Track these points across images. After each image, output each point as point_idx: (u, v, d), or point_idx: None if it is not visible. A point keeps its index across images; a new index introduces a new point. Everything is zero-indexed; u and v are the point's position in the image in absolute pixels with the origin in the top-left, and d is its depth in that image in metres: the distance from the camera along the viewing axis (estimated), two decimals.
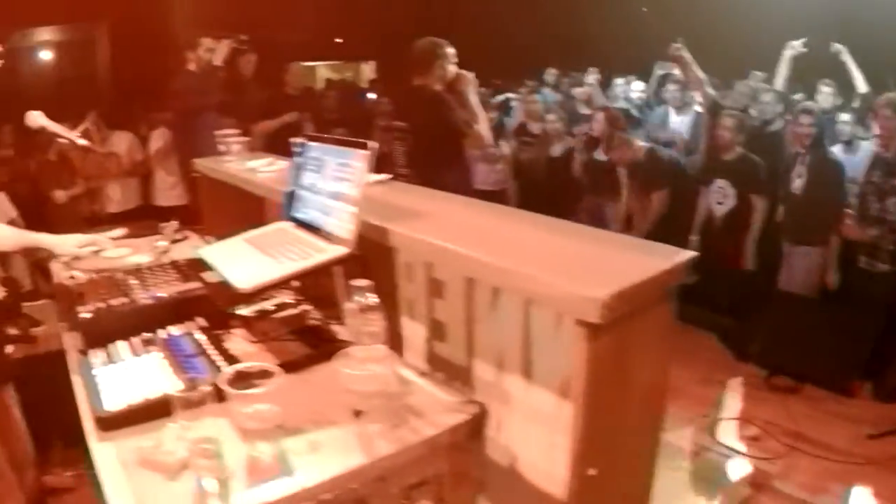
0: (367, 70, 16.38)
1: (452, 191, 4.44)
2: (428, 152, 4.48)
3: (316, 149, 2.29)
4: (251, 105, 6.57)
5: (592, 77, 8.60)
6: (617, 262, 1.72)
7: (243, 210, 3.37)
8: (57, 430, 2.99)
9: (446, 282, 2.02)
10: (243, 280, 1.98)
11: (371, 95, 9.84)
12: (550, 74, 10.03)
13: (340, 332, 2.20)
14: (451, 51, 4.64)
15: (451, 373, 2.00)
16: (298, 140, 2.70)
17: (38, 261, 6.39)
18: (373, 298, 1.72)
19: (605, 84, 8.70)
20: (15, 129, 7.40)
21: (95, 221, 7.11)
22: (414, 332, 2.15)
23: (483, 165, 7.16)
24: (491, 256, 1.73)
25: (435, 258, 1.97)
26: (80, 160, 7.32)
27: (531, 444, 1.87)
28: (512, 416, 1.87)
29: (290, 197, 2.44)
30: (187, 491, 1.53)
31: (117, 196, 7.72)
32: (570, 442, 1.70)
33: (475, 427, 1.74)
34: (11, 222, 3.24)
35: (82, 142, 3.21)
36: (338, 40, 14.16)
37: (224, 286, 2.07)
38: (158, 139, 7.56)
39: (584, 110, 7.88)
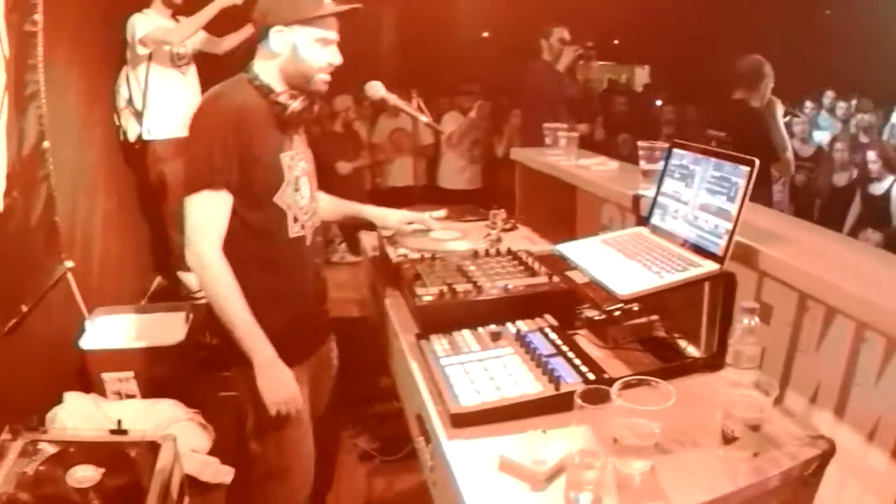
0: (642, 74, 16.22)
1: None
2: None
3: (685, 157, 2.33)
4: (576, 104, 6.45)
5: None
6: None
7: (555, 206, 3.48)
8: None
9: (775, 307, 1.98)
10: (621, 285, 2.06)
11: (658, 102, 9.74)
12: (828, 97, 9.78)
13: (686, 347, 2.25)
14: (772, 73, 4.73)
15: None
16: (650, 144, 2.74)
17: (345, 228, 6.82)
18: (757, 322, 1.74)
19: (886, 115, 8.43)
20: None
21: (376, 195, 7.48)
22: None
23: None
24: (855, 289, 1.70)
25: (784, 282, 1.95)
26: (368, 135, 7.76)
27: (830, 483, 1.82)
28: None
29: (648, 202, 2.50)
30: (556, 503, 1.60)
31: (402, 172, 8.01)
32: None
33: (822, 464, 1.76)
34: None
35: (424, 118, 3.34)
36: (615, 42, 14.10)
37: (593, 289, 2.14)
38: (451, 122, 7.81)
39: (864, 139, 7.66)
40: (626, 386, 1.67)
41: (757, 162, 2.04)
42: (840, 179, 7.09)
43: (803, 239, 2.19)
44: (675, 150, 2.40)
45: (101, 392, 3.96)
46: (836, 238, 2.27)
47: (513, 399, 1.93)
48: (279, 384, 2.56)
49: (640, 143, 2.86)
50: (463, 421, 1.89)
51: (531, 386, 1.98)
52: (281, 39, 2.51)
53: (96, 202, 4.72)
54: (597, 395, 1.60)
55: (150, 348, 3.97)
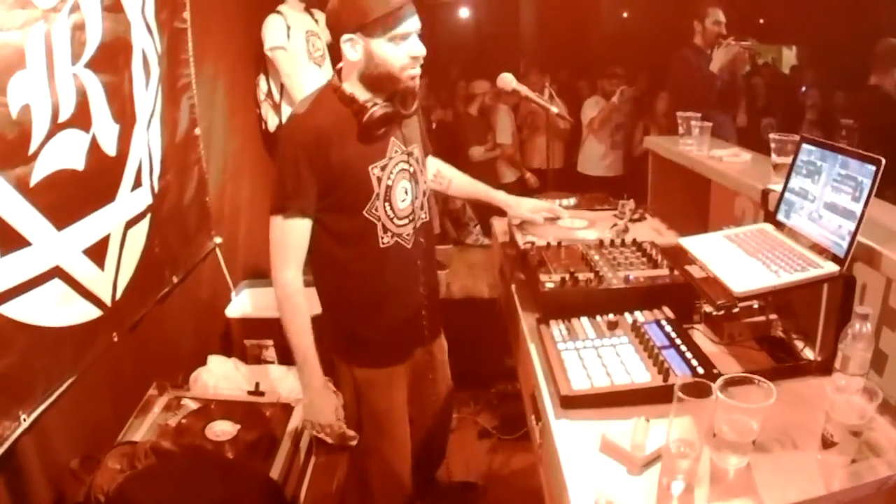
0: (790, 55, 15.66)
1: (891, 202, 4.35)
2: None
3: (813, 153, 2.32)
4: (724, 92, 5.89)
5: None
6: None
7: (688, 196, 3.51)
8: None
9: None
10: (737, 283, 2.09)
11: (804, 88, 9.35)
12: None
13: (803, 348, 2.26)
14: None
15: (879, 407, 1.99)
16: (782, 137, 2.74)
17: (452, 210, 6.95)
18: (869, 328, 1.76)
19: None
20: (432, 81, 8.09)
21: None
22: None
23: None
24: None
25: None
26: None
27: None
28: None
29: (772, 197, 2.51)
30: (650, 488, 1.68)
31: (541, 156, 7.90)
32: None
33: None
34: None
35: (555, 109, 3.41)
36: (760, 21, 13.66)
37: (711, 284, 2.19)
38: (593, 108, 7.79)
39: None
40: (730, 383, 1.70)
41: (883, 161, 2.00)
42: None
43: None
44: (805, 145, 2.38)
45: (243, 357, 4.23)
46: None
47: (621, 386, 2.01)
48: (319, 410, 2.73)
49: (771, 136, 2.83)
50: (572, 403, 2.00)
51: (641, 375, 2.05)
52: (352, 48, 2.47)
53: (242, 185, 4.99)
54: (698, 388, 1.64)
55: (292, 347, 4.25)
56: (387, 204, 2.64)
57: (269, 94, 5.38)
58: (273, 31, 5.14)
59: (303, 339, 2.65)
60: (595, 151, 7.90)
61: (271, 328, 4.08)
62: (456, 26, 13.11)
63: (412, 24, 2.49)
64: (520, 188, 7.47)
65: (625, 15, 12.97)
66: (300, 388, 2.83)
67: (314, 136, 2.49)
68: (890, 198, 4.13)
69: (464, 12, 13.37)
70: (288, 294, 2.61)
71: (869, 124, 4.56)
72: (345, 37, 2.45)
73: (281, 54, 5.12)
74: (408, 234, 2.75)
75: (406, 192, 2.72)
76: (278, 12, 5.20)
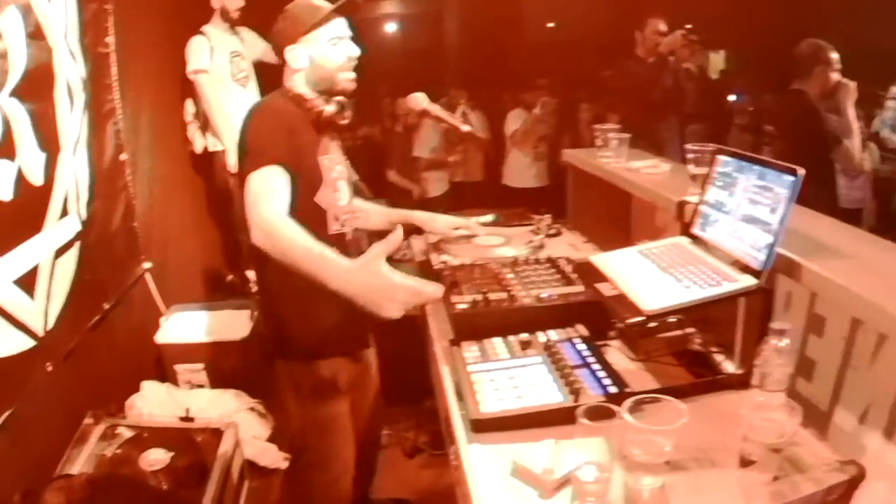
0: (718, 60, 15.92)
1: (816, 208, 4.34)
2: (793, 163, 4.38)
3: (729, 164, 2.27)
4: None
5: None
6: None
7: (609, 208, 3.45)
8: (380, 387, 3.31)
9: (828, 320, 1.94)
10: (648, 300, 2.03)
11: (734, 97, 9.34)
12: None
13: (723, 362, 2.24)
14: (835, 56, 4.59)
15: (809, 413, 1.94)
16: (700, 147, 2.70)
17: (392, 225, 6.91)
18: (787, 343, 1.70)
19: None
20: (359, 99, 7.98)
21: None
22: None
23: (842, 179, 6.77)
24: None
25: (839, 302, 1.89)
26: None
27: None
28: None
29: (689, 210, 2.46)
30: None
31: (463, 170, 7.95)
32: None
33: (849, 490, 1.70)
34: (354, 186, 3.52)
35: (466, 128, 3.40)
36: (687, 25, 13.85)
37: (622, 301, 2.13)
38: (515, 120, 7.75)
39: None
40: (641, 402, 1.64)
41: (801, 171, 1.95)
42: None
43: (860, 253, 2.09)
44: (721, 157, 2.34)
45: (175, 381, 4.26)
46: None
47: (532, 408, 1.96)
48: (373, 289, 2.15)
49: (687, 147, 2.76)
50: (482, 426, 1.95)
51: (553, 396, 1.99)
52: (296, 55, 2.70)
53: (170, 209, 4.97)
54: (604, 411, 1.59)
55: (217, 342, 4.27)
56: (334, 194, 2.78)
57: (197, 116, 5.32)
58: (195, 53, 5.07)
59: (311, 249, 2.21)
60: (519, 163, 7.86)
61: (201, 352, 4.22)
62: (382, 43, 13.11)
63: (344, 28, 2.75)
64: (450, 201, 7.48)
65: (550, 25, 13.05)
66: (233, 410, 2.82)
67: (279, 116, 2.66)
68: (814, 201, 4.16)
69: (390, 27, 13.38)
70: (277, 227, 2.30)
71: (792, 130, 4.55)
72: (289, 48, 2.70)
73: (203, 78, 5.06)
74: (349, 230, 2.86)
75: (345, 192, 2.87)
76: (202, 33, 5.14)
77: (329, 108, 2.73)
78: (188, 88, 5.28)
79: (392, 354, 3.32)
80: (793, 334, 1.91)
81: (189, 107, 5.36)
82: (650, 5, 6.31)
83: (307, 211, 2.62)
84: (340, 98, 2.79)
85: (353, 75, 2.77)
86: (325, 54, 2.70)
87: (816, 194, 4.31)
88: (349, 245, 2.82)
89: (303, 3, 2.75)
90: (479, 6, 11.22)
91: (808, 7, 10.90)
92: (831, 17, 10.61)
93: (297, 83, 2.75)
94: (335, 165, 2.82)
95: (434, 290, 2.08)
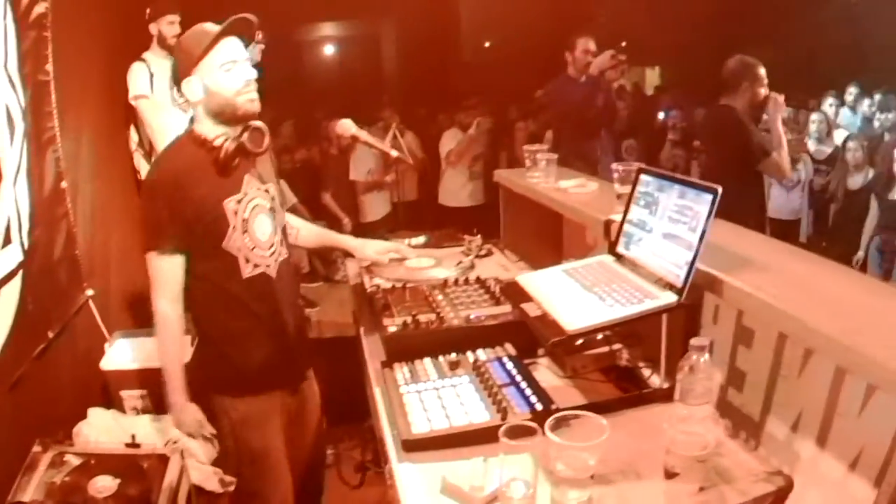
0: (653, 76, 16.19)
1: (744, 220, 4.42)
2: (721, 177, 4.47)
3: (650, 183, 2.31)
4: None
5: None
6: None
7: (541, 227, 3.49)
8: (323, 409, 3.30)
9: (756, 331, 1.99)
10: (570, 320, 2.05)
11: (668, 113, 9.41)
12: (850, 93, 9.38)
13: (651, 376, 2.28)
14: (762, 72, 4.69)
15: (741, 423, 1.99)
16: (624, 167, 2.75)
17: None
18: (707, 358, 1.74)
19: None
20: (297, 122, 8.01)
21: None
22: None
23: (778, 190, 6.92)
24: (834, 330, 1.68)
25: (761, 315, 1.94)
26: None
27: None
28: (798, 480, 1.82)
29: (614, 228, 2.49)
30: None
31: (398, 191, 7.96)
32: None
33: (777, 501, 1.74)
34: (293, 209, 3.57)
35: (395, 153, 3.43)
36: (623, 44, 14.07)
37: (546, 321, 2.15)
38: (450, 141, 7.78)
39: (889, 138, 7.41)
40: (564, 419, 1.66)
41: (719, 189, 2.00)
42: (855, 182, 6.87)
43: (782, 266, 2.14)
44: (642, 176, 2.37)
45: (121, 408, 4.17)
46: (821, 264, 2.22)
47: (460, 427, 2.00)
48: (183, 422, 2.92)
49: (613, 166, 2.83)
50: (413, 446, 1.98)
51: (480, 415, 2.03)
52: (191, 88, 2.63)
53: (112, 236, 4.91)
54: (526, 429, 1.61)
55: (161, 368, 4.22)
56: (245, 236, 2.71)
57: (141, 142, 5.29)
58: (136, 79, 5.04)
59: (172, 361, 2.79)
60: (454, 183, 7.92)
61: (146, 379, 4.11)
62: (320, 65, 13.12)
63: (237, 51, 2.65)
64: (392, 222, 7.42)
65: (487, 45, 13.15)
66: (176, 436, 2.96)
67: (173, 176, 2.64)
68: (743, 214, 4.25)
69: (328, 50, 13.39)
70: (162, 323, 2.73)
71: (720, 145, 4.68)
72: (184, 81, 2.64)
73: (144, 103, 5.03)
74: (271, 266, 2.80)
75: (266, 226, 2.79)
76: (142, 59, 5.12)
77: (231, 143, 2.64)
78: (131, 115, 5.24)
79: (335, 374, 3.33)
80: (722, 346, 1.97)
81: (133, 134, 5.34)
82: (584, 24, 6.39)
83: (214, 260, 2.70)
84: (257, 123, 2.72)
85: (254, 96, 2.68)
86: (219, 81, 2.61)
87: (745, 206, 4.42)
88: (272, 286, 2.81)
89: (193, 32, 2.70)
90: (417, 27, 11.30)
91: (739, 23, 11.14)
92: (763, 32, 10.85)
93: (200, 117, 2.70)
94: (247, 204, 2.73)
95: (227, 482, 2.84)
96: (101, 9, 4.95)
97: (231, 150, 2.63)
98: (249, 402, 2.83)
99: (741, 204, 4.42)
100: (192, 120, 2.75)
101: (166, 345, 2.77)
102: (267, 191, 2.83)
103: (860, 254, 6.63)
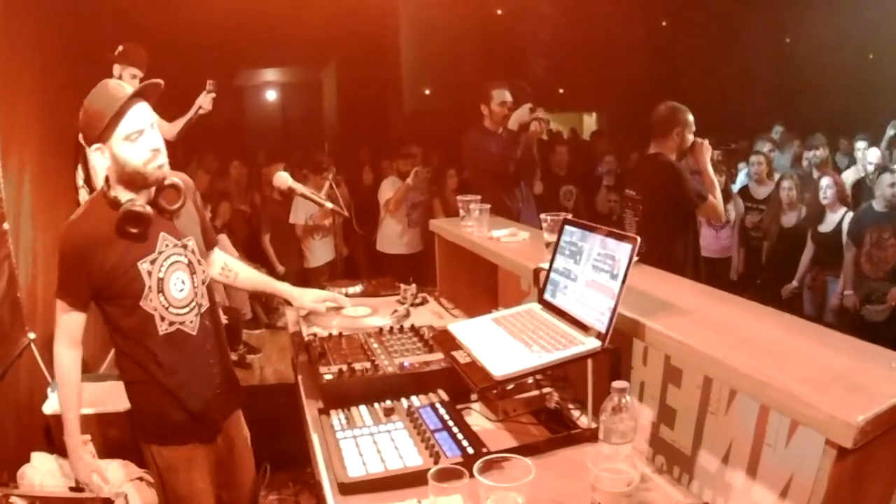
0: (590, 122, 16.46)
1: (681, 261, 4.54)
2: (659, 223, 4.59)
3: (574, 233, 2.39)
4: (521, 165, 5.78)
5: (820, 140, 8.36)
6: (871, 376, 1.71)
7: (477, 275, 3.55)
8: (266, 455, 3.33)
9: (684, 371, 2.07)
10: (498, 367, 2.11)
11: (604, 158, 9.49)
12: (777, 132, 9.72)
13: (580, 417, 2.36)
14: (690, 118, 4.74)
15: (674, 458, 2.07)
16: (552, 217, 2.84)
17: (262, 294, 6.92)
18: (628, 399, 1.83)
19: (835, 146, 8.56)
20: (240, 164, 8.06)
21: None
22: (643, 413, 2.22)
23: (707, 230, 7.07)
24: (755, 367, 1.76)
25: (684, 356, 2.03)
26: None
27: None
28: None
29: (542, 277, 2.56)
30: None
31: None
32: None
33: None
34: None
35: (330, 205, 3.47)
36: (560, 90, 14.34)
37: (475, 368, 2.22)
38: (389, 189, 7.83)
39: (816, 175, 7.62)
40: (497, 461, 1.76)
41: (638, 240, 2.06)
42: (789, 220, 7.05)
43: (705, 309, 2.22)
44: (567, 227, 2.44)
45: (63, 452, 4.14)
46: (743, 305, 2.29)
47: (393, 471, 2.04)
48: (79, 468, 2.94)
49: (542, 216, 2.89)
50: (348, 489, 2.03)
51: (413, 459, 2.08)
52: (98, 156, 2.60)
53: (54, 278, 4.83)
54: (454, 473, 1.68)
55: (103, 414, 4.21)
56: (160, 295, 2.70)
57: (87, 180, 5.28)
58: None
59: (66, 405, 2.83)
60: (392, 230, 7.92)
61: (87, 423, 4.02)
62: (262, 110, 13.15)
63: (143, 118, 2.60)
64: (332, 269, 7.48)
65: (427, 92, 13.28)
66: (121, 480, 3.10)
67: (83, 241, 2.63)
68: (682, 257, 4.37)
69: (270, 96, 13.42)
70: (57, 366, 2.79)
71: (656, 193, 4.71)
72: (91, 148, 2.59)
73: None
74: (191, 322, 2.80)
75: (183, 283, 2.78)
76: None
77: (133, 209, 2.60)
78: (80, 155, 5.20)
79: (277, 421, 3.34)
80: (652, 386, 2.06)
81: (79, 172, 5.32)
82: (519, 71, 6.42)
83: (132, 317, 2.71)
84: (173, 180, 2.72)
85: (162, 162, 2.64)
86: (124, 153, 2.57)
87: (683, 252, 4.55)
88: (190, 342, 2.81)
89: (96, 94, 2.63)
90: (359, 74, 11.38)
91: (672, 70, 11.42)
92: (693, 78, 11.13)
93: (111, 182, 2.66)
94: (163, 262, 2.71)
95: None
96: (43, 49, 4.97)
97: (130, 214, 2.60)
98: (173, 449, 2.85)
99: (678, 250, 4.58)
100: (106, 179, 2.70)
101: (62, 388, 2.82)
102: (185, 246, 2.80)
103: (794, 283, 6.87)
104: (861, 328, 5.82)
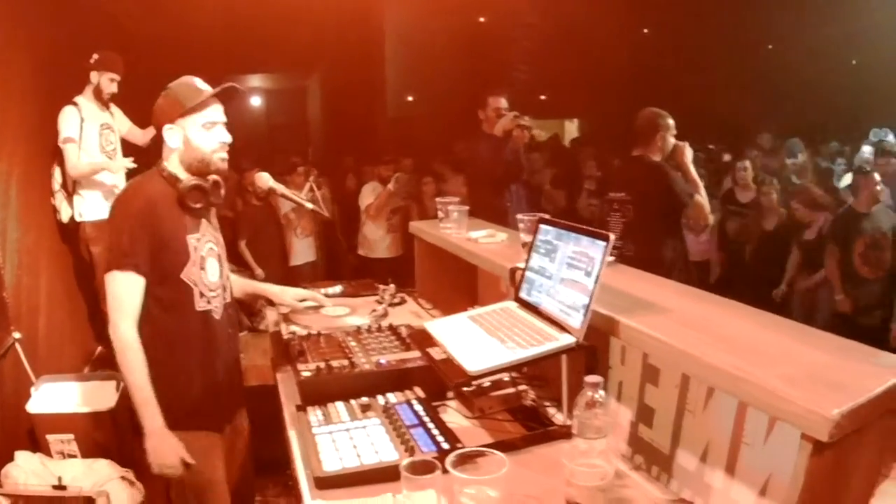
0: (571, 128, 16.48)
1: (670, 264, 4.57)
2: (647, 225, 4.63)
3: (549, 232, 2.39)
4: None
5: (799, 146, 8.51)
6: (850, 372, 1.71)
7: (456, 276, 3.55)
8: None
9: (662, 370, 2.07)
10: (472, 362, 2.11)
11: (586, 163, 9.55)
12: (765, 139, 9.88)
13: (556, 414, 2.36)
14: (671, 122, 4.85)
15: (653, 457, 2.06)
16: (529, 217, 2.84)
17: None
18: (602, 394, 1.82)
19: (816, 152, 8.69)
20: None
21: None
22: (621, 413, 2.22)
23: (688, 234, 7.12)
24: (732, 363, 1.75)
25: (662, 354, 2.03)
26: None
27: None
28: None
29: (518, 276, 2.56)
30: None
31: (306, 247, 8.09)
32: None
33: None
34: None
35: (310, 206, 3.50)
36: (542, 97, 14.37)
37: (450, 364, 2.22)
38: (370, 194, 7.85)
39: (796, 181, 7.80)
40: (471, 456, 1.74)
41: (612, 237, 2.06)
42: (769, 224, 7.14)
43: (684, 307, 2.21)
44: (542, 226, 2.45)
45: (47, 451, 4.19)
46: (722, 304, 2.28)
47: (369, 466, 2.04)
48: (164, 451, 2.73)
49: (518, 216, 2.92)
50: (325, 483, 2.02)
51: (389, 454, 2.07)
52: (172, 135, 2.77)
53: (39, 279, 4.89)
54: (426, 466, 1.66)
55: (87, 413, 4.22)
56: (202, 271, 2.83)
57: (64, 184, 5.26)
58: (66, 122, 5.05)
59: (142, 383, 2.70)
60: (373, 235, 7.97)
61: (72, 422, 4.16)
62: (245, 115, 13.12)
63: (220, 115, 2.83)
64: (313, 270, 7.69)
65: (410, 99, 13.29)
66: (104, 479, 3.06)
67: (145, 202, 2.73)
68: (671, 258, 4.38)
69: (255, 101, 13.39)
70: (124, 346, 2.70)
71: (646, 196, 4.77)
72: (166, 126, 2.77)
73: (71, 147, 5.02)
74: (217, 307, 2.89)
75: (215, 268, 2.90)
76: (74, 104, 5.12)
77: (194, 181, 2.79)
78: (58, 157, 5.23)
79: (259, 422, 3.30)
80: (630, 385, 2.05)
81: (57, 175, 5.31)
82: (501, 81, 6.50)
83: (173, 287, 2.76)
84: (214, 177, 2.86)
85: (225, 156, 2.85)
86: (198, 138, 2.78)
87: (672, 251, 4.58)
88: (216, 326, 2.89)
89: (184, 83, 2.83)
90: (343, 80, 11.36)
91: (653, 77, 11.44)
92: (674, 85, 11.16)
93: (172, 162, 2.81)
94: (204, 244, 2.86)
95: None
96: (33, 55, 4.98)
97: (192, 185, 2.77)
98: (186, 437, 2.80)
99: (669, 251, 4.61)
100: (159, 162, 2.85)
101: (133, 369, 2.70)
102: (217, 239, 2.97)
103: (782, 287, 6.92)
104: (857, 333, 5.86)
